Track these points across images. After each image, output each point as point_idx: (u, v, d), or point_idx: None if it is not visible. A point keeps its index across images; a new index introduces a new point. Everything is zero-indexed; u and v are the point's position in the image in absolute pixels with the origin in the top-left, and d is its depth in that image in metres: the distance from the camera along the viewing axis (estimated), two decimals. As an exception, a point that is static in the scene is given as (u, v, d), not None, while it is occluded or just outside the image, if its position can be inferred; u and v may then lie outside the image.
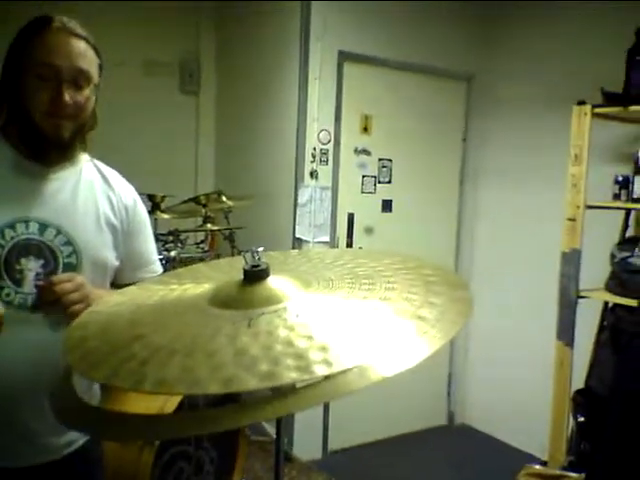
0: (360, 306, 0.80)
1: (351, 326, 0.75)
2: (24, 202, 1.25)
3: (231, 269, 0.99)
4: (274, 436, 0.94)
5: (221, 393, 0.66)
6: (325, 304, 0.82)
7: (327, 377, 0.66)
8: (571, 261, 2.81)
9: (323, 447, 3.62)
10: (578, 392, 2.85)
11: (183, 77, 4.15)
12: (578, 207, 2.78)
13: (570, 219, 2.81)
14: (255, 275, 0.86)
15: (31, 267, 1.23)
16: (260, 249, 0.88)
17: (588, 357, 2.93)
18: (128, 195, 1.44)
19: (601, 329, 2.93)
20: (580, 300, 2.83)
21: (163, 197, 2.83)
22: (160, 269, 1.55)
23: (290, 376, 0.65)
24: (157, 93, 3.99)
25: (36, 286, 1.22)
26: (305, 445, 3.48)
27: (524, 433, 3.61)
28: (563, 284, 2.86)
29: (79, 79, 1.25)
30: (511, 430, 3.79)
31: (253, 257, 0.87)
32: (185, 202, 2.98)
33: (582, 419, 2.76)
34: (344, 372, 0.66)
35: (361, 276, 0.91)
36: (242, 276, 0.87)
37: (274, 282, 0.86)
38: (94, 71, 1.28)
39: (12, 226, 1.22)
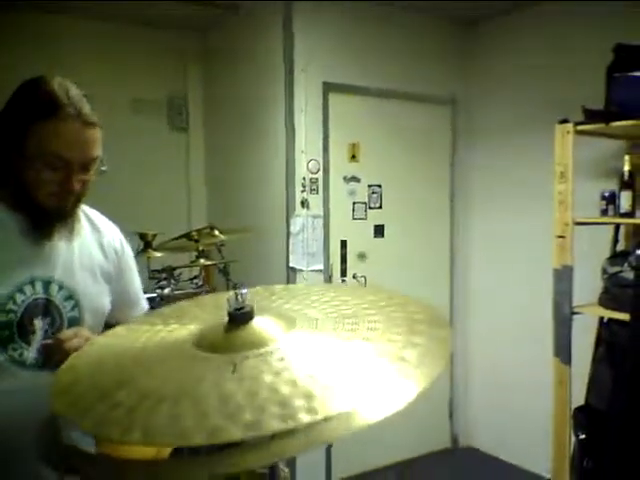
0: (344, 348, 0.81)
1: (335, 371, 0.75)
2: (29, 264, 1.26)
3: (216, 307, 1.00)
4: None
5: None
6: (309, 346, 0.82)
7: (312, 424, 0.66)
8: (563, 278, 2.82)
9: (327, 476, 3.59)
10: (578, 409, 2.83)
11: (171, 114, 4.20)
12: (567, 224, 2.80)
13: (560, 236, 2.83)
14: (239, 318, 0.86)
15: (40, 326, 1.26)
16: (244, 290, 0.88)
17: (587, 373, 2.92)
18: (115, 237, 1.47)
19: (597, 344, 2.93)
20: (575, 316, 2.83)
21: (154, 235, 2.84)
22: (147, 306, 1.57)
23: (274, 425, 0.65)
24: (146, 131, 4.03)
25: (42, 345, 1.24)
26: (308, 474, 3.44)
27: (530, 453, 3.58)
28: (557, 301, 2.86)
29: (89, 165, 1.23)
30: (517, 451, 3.76)
31: (237, 299, 0.88)
32: (177, 238, 2.99)
33: (583, 436, 2.75)
34: (329, 419, 0.66)
35: (345, 315, 0.91)
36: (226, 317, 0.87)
37: (259, 323, 0.87)
38: (101, 149, 1.25)
39: (21, 290, 1.24)
